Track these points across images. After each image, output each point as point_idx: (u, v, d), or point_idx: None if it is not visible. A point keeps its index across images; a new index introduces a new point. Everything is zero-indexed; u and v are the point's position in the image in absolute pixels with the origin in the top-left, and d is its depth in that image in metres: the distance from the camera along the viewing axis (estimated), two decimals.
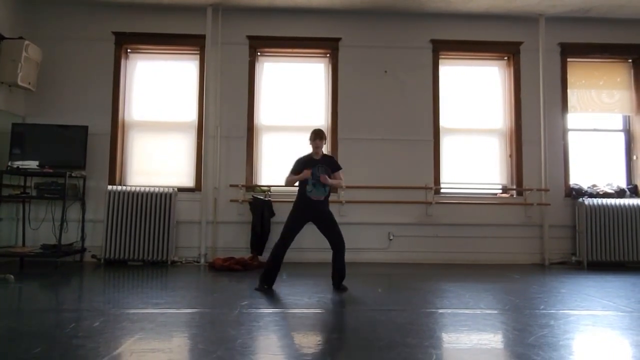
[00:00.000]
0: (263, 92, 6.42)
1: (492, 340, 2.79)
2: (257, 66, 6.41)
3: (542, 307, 3.59)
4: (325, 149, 4.74)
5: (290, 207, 5.96)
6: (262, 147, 6.37)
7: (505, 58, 6.61)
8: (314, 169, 4.22)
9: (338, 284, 4.20)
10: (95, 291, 4.33)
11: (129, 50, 6.40)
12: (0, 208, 5.35)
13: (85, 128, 5.81)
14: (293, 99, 6.42)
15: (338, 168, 4.36)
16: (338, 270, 4.20)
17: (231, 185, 6.09)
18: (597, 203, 6.06)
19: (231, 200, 6.05)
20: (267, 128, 6.40)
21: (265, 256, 5.78)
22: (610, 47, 6.50)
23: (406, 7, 6.23)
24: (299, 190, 4.31)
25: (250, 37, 6.33)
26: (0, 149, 5.52)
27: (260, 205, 5.85)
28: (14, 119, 5.80)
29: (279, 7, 6.24)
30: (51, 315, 3.23)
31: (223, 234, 6.08)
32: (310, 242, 6.04)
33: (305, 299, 3.84)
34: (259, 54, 6.44)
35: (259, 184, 6.23)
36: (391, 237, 6.16)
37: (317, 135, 4.27)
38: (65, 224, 5.55)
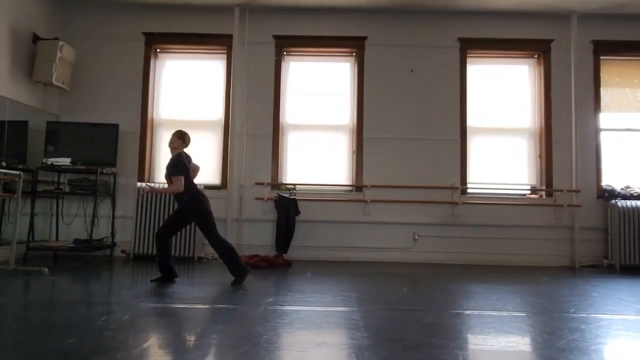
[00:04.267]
0: (289, 91, 6.46)
1: (520, 342, 2.74)
2: (283, 65, 6.44)
3: (572, 310, 3.51)
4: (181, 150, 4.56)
5: (312, 205, 6.05)
6: (288, 145, 6.40)
7: (536, 56, 6.47)
8: None
9: (233, 280, 4.33)
10: (124, 285, 4.43)
11: (158, 50, 6.53)
12: (35, 203, 5.53)
13: (116, 126, 5.96)
14: (319, 98, 6.44)
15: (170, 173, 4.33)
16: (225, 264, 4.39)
17: (257, 183, 6.15)
18: (631, 205, 5.88)
19: (256, 198, 6.11)
20: (292, 127, 6.43)
21: (290, 254, 5.85)
22: None
23: (433, 4, 6.16)
24: None
25: (276, 37, 6.37)
26: (35, 147, 5.71)
27: (286, 204, 5.89)
28: (48, 117, 5.99)
29: (304, 6, 6.26)
30: (83, 308, 3.32)
31: (248, 232, 6.14)
32: (333, 240, 6.08)
33: (329, 297, 3.85)
34: (285, 53, 6.48)
35: (285, 182, 6.27)
36: (416, 237, 6.11)
37: None
38: (96, 219, 5.71)
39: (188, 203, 4.32)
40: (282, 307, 3.45)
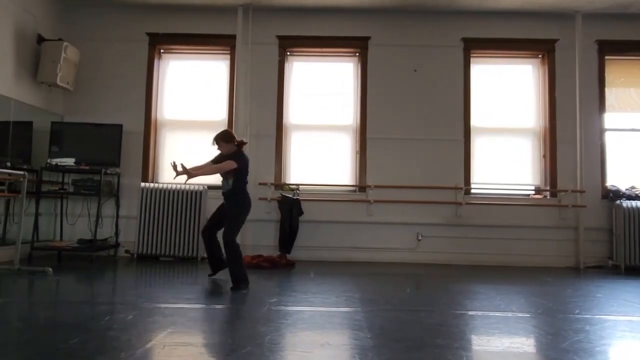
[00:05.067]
0: (292, 91, 6.46)
1: (525, 343, 2.73)
2: (287, 66, 6.44)
3: (576, 311, 3.49)
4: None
5: (315, 205, 6.05)
6: (291, 145, 6.40)
7: (540, 56, 6.45)
8: None
9: (232, 284, 4.12)
10: (128, 285, 4.44)
11: (162, 51, 6.54)
12: (40, 203, 5.54)
13: (120, 127, 5.97)
14: (322, 98, 6.43)
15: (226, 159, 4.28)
16: (228, 266, 4.19)
17: (260, 184, 6.14)
18: (636, 205, 5.84)
19: (260, 199, 6.10)
20: (296, 127, 6.43)
21: (293, 254, 5.85)
22: None
23: (437, 4, 6.15)
24: None
25: (280, 37, 6.37)
26: (40, 147, 5.72)
27: (289, 204, 5.89)
28: (53, 118, 6.01)
29: (308, 6, 6.26)
30: (87, 308, 3.33)
31: (251, 232, 6.13)
32: (336, 240, 6.08)
33: (333, 297, 3.84)
34: (288, 53, 6.48)
35: (288, 182, 6.27)
36: (420, 238, 6.10)
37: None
38: (100, 219, 5.72)
39: (245, 201, 4.31)
40: (285, 307, 3.45)
